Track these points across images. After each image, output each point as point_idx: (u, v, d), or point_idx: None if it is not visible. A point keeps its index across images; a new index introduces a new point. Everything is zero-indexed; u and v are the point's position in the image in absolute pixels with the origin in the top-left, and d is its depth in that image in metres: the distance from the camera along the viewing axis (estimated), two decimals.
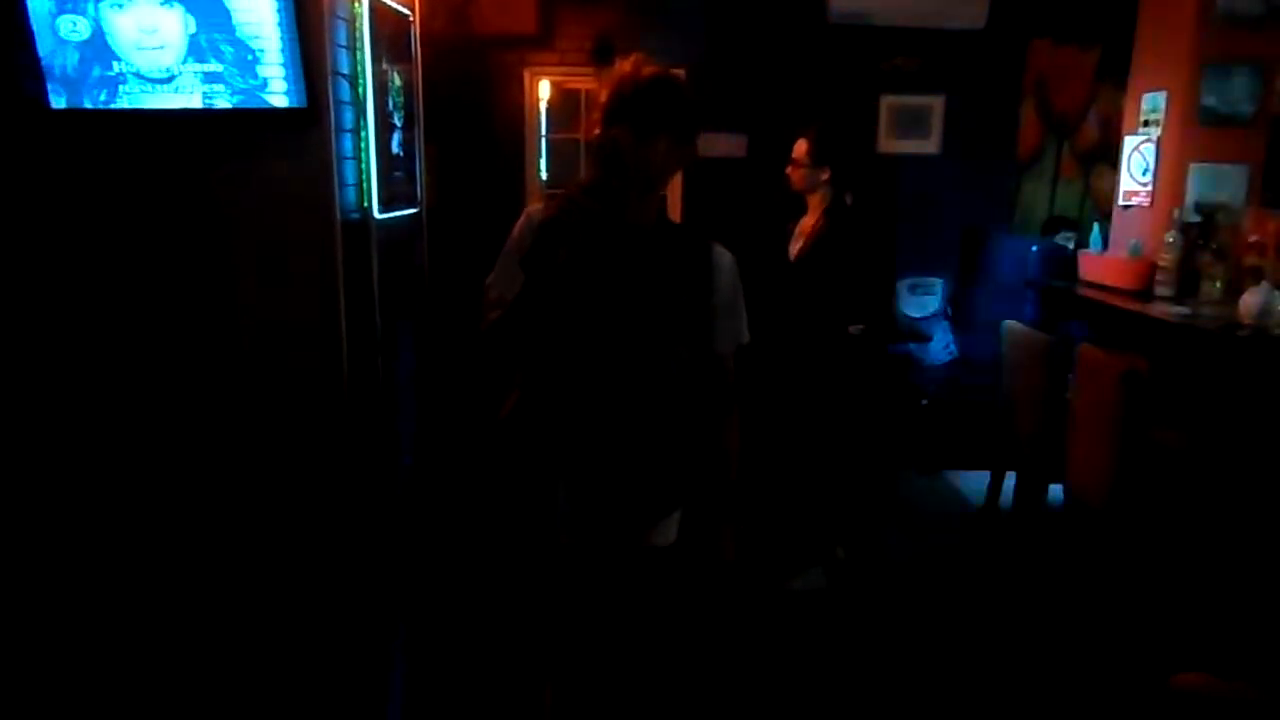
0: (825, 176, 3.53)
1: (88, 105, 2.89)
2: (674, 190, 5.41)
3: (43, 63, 2.83)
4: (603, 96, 1.89)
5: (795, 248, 3.64)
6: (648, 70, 1.91)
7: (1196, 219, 4.03)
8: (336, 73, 3.01)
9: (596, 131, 1.89)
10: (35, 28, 2.79)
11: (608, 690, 2.20)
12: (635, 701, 2.21)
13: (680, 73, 1.94)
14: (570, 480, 1.98)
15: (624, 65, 1.91)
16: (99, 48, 2.84)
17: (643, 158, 1.86)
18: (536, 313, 1.86)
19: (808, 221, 3.63)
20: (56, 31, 2.81)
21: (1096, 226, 4.74)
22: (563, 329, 1.89)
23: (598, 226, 1.87)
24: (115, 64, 2.85)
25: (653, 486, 2.00)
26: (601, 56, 4.98)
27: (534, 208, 1.98)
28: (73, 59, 2.84)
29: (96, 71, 2.86)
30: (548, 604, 2.17)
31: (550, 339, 1.90)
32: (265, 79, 2.85)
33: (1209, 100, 4.07)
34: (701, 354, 1.98)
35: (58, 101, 2.88)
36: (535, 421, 1.96)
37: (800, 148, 3.56)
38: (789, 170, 3.60)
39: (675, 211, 5.47)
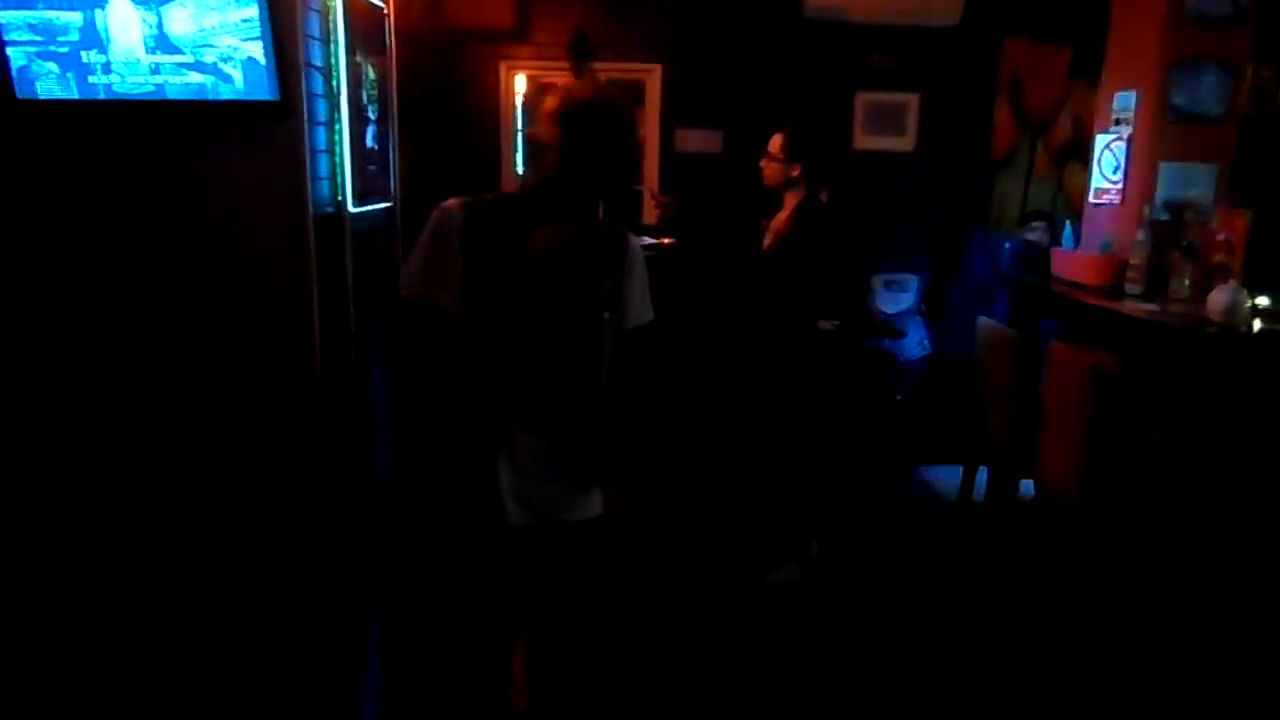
0: (796, 173, 3.55)
1: (55, 96, 2.84)
2: (650, 184, 5.42)
3: (6, 52, 2.79)
4: (551, 105, 2.09)
5: (766, 243, 3.66)
6: (591, 92, 2.12)
7: (1166, 217, 4.08)
8: (309, 65, 2.98)
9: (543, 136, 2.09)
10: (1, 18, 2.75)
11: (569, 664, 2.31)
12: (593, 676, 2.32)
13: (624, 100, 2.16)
14: (510, 454, 2.10)
15: (574, 84, 2.20)
16: (66, 37, 2.79)
17: (577, 166, 2.07)
18: (481, 295, 2.03)
19: (781, 217, 3.64)
20: (21, 21, 2.77)
21: (1069, 223, 4.78)
22: (502, 309, 2.06)
23: (533, 213, 2.09)
24: (84, 54, 2.81)
25: (594, 453, 2.14)
26: (577, 51, 4.97)
27: (449, 203, 2.10)
28: (39, 49, 2.80)
29: (64, 61, 2.81)
30: (498, 584, 2.24)
31: (490, 318, 2.06)
32: (237, 71, 2.82)
33: (1179, 99, 4.11)
34: (618, 329, 2.16)
35: (23, 91, 2.83)
36: (474, 397, 2.09)
37: (775, 142, 3.58)
38: (762, 163, 3.62)
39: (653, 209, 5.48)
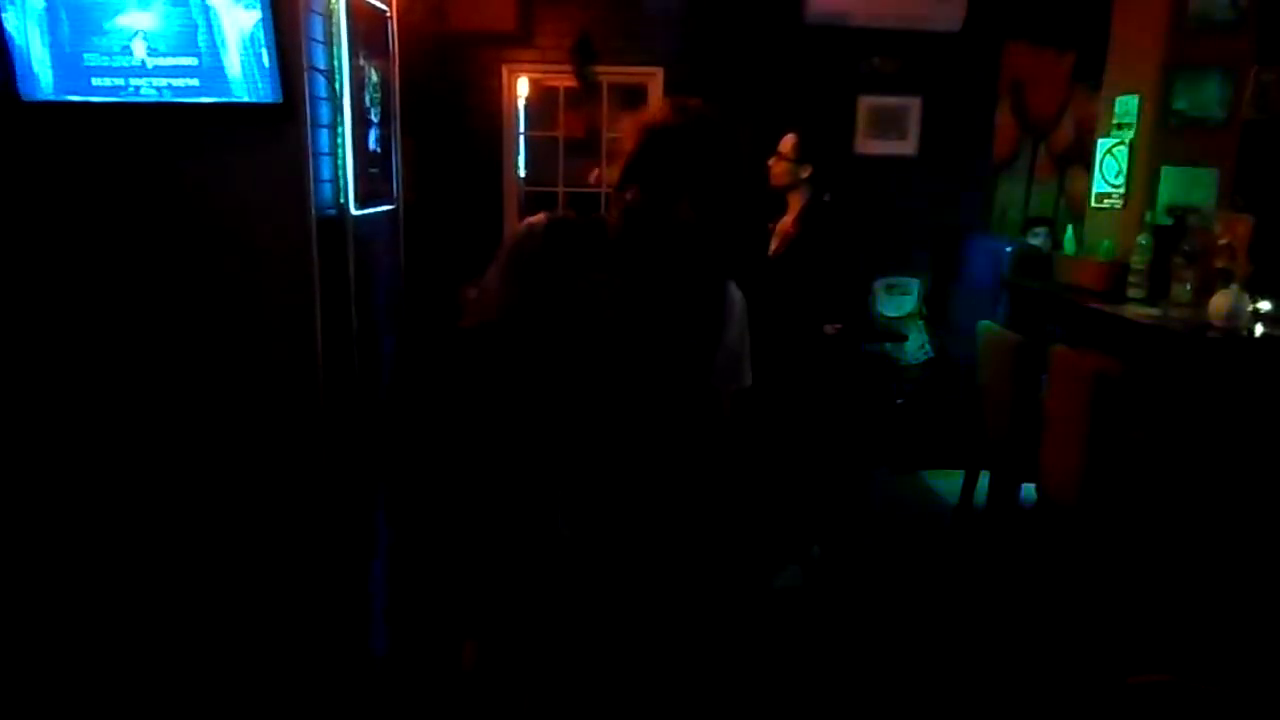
0: (806, 174, 3.55)
1: (61, 98, 2.85)
2: None
3: (14, 55, 2.80)
4: (628, 143, 1.77)
5: (773, 247, 3.66)
6: (670, 118, 1.77)
7: (1168, 221, 4.08)
8: (313, 68, 2.99)
9: (617, 181, 1.78)
10: (5, 20, 2.76)
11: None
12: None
13: (712, 110, 1.82)
14: (567, 502, 1.91)
15: (650, 112, 1.79)
16: (73, 40, 2.80)
17: (658, 220, 1.76)
18: (536, 322, 1.79)
19: (786, 221, 3.64)
20: (28, 24, 2.78)
21: (1070, 228, 4.78)
22: (564, 345, 1.81)
23: (611, 247, 1.80)
24: (89, 57, 2.82)
25: (647, 515, 1.94)
26: (581, 54, 4.98)
27: (535, 219, 1.84)
28: (45, 51, 2.81)
29: (70, 64, 2.82)
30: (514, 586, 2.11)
31: (549, 354, 1.82)
32: (241, 73, 2.83)
33: (1181, 104, 4.12)
34: (700, 388, 1.89)
35: (29, 94, 2.84)
36: (531, 441, 1.88)
37: (787, 143, 3.58)
38: (771, 163, 3.61)
39: None
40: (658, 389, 1.85)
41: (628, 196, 1.76)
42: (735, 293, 1.93)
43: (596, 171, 5.56)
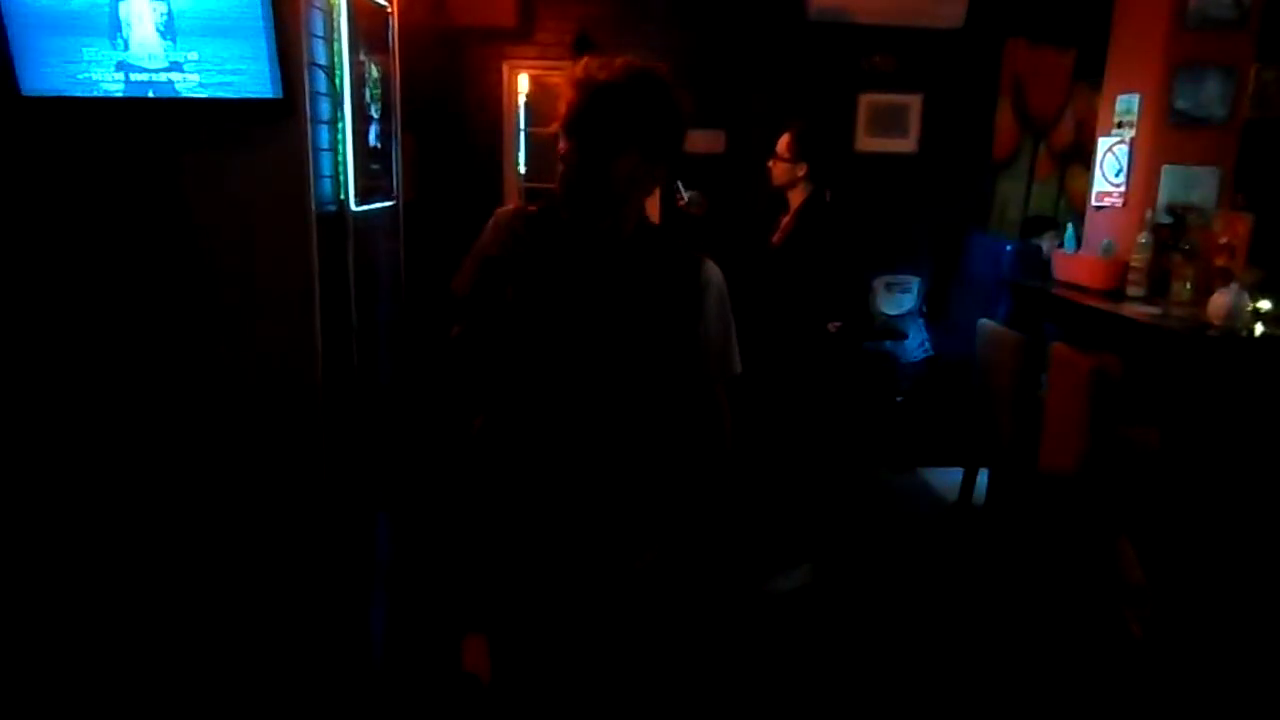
0: (802, 173, 3.56)
1: (59, 91, 2.85)
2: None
3: (12, 46, 2.79)
4: (561, 104, 1.68)
5: (774, 240, 3.67)
6: (607, 75, 1.65)
7: (1168, 220, 4.08)
8: (313, 64, 2.99)
9: (559, 142, 1.70)
10: (5, 11, 2.75)
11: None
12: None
13: (659, 68, 1.70)
14: (536, 510, 1.81)
15: (582, 67, 1.69)
16: (72, 32, 2.80)
17: (600, 178, 1.67)
18: (498, 323, 1.73)
19: (786, 218, 3.65)
20: (28, 16, 2.77)
21: (1070, 226, 4.78)
22: (526, 345, 1.74)
23: (566, 237, 1.74)
24: (88, 50, 2.81)
25: (623, 521, 1.82)
26: (581, 50, 4.97)
27: (504, 209, 1.83)
28: (44, 44, 2.80)
29: (69, 57, 2.82)
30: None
31: (515, 355, 1.75)
32: (241, 69, 2.82)
33: (1182, 103, 4.11)
34: (685, 382, 1.78)
35: (28, 86, 2.84)
36: (501, 446, 1.80)
37: (782, 142, 3.59)
38: (770, 164, 3.63)
39: (654, 208, 5.49)
40: (629, 382, 1.73)
41: (562, 152, 1.67)
42: (713, 273, 1.79)
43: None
